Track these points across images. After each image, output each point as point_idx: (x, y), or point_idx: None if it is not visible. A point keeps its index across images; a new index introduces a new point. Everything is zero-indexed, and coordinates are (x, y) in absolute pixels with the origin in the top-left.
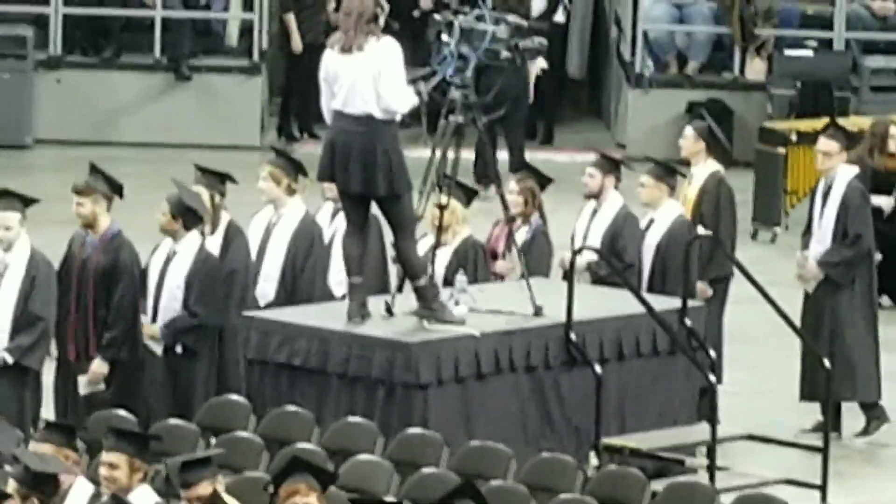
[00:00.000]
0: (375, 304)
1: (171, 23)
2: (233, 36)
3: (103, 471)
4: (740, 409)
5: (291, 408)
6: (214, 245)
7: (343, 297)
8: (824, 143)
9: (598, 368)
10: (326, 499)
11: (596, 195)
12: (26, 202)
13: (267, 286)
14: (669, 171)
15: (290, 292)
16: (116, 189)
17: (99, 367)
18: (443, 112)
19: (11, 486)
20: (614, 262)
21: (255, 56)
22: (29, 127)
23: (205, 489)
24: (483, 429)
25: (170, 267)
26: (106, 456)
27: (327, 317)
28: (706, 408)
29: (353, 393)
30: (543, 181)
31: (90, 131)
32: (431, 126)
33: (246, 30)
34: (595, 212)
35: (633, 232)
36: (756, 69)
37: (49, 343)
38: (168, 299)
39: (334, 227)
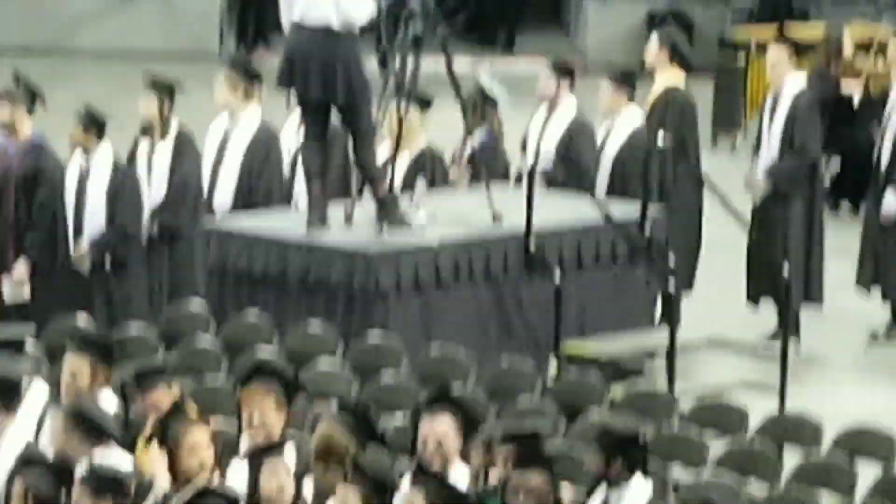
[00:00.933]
0: (335, 212)
1: None
2: None
3: (66, 375)
4: (704, 315)
5: (251, 315)
6: (164, 153)
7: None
8: (773, 53)
9: (557, 276)
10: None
11: (550, 101)
12: None
13: (223, 195)
14: (627, 76)
15: (246, 201)
16: (38, 97)
17: (21, 266)
18: (402, 21)
19: None
20: (577, 169)
21: None
22: None
23: (162, 395)
24: (443, 336)
25: (88, 183)
26: (70, 360)
27: (287, 226)
28: (668, 314)
29: (313, 301)
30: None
31: (49, 40)
32: (390, 36)
33: None
34: (548, 118)
35: (589, 138)
36: None
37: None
38: (91, 214)
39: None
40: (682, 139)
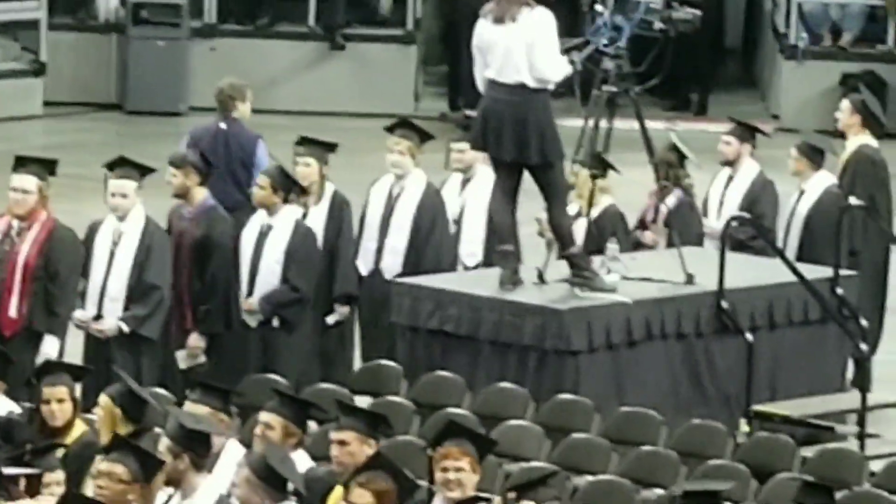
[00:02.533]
0: (527, 271)
1: None
2: (386, 5)
3: (258, 430)
4: (893, 377)
5: (443, 373)
6: (319, 216)
7: (472, 268)
8: None
9: (749, 336)
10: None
11: (731, 162)
12: (143, 171)
13: (392, 259)
14: (814, 149)
15: (415, 265)
16: (209, 164)
17: (196, 340)
18: (596, 82)
19: (164, 444)
20: (762, 228)
21: (409, 25)
22: (183, 95)
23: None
24: (634, 395)
25: (267, 241)
26: (263, 416)
27: (479, 283)
28: (859, 377)
29: (504, 359)
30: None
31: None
32: (584, 96)
33: None
34: (731, 178)
35: (771, 197)
36: None
37: (165, 312)
38: (266, 273)
39: (463, 198)
40: (872, 198)
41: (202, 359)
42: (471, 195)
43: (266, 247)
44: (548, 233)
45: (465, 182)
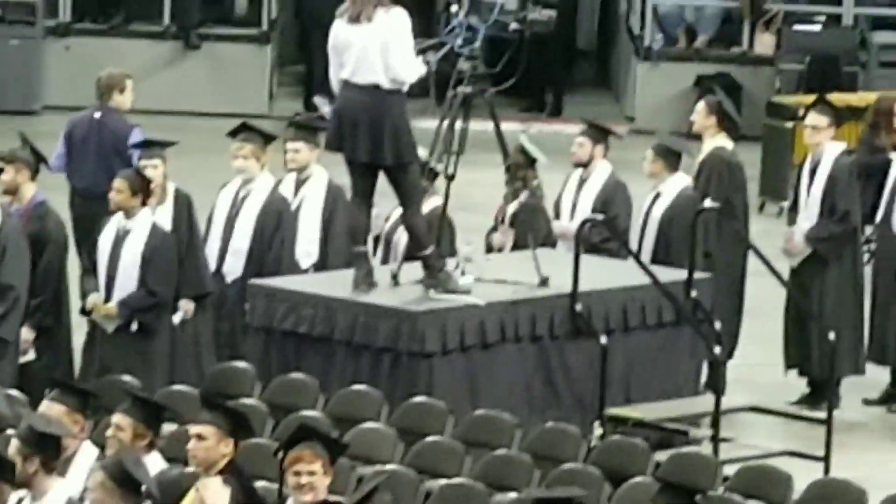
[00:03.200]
0: (381, 272)
1: None
2: (242, 5)
3: (109, 431)
4: (747, 380)
5: (297, 375)
6: (165, 216)
7: (308, 269)
8: (813, 118)
9: (603, 339)
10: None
11: (585, 164)
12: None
13: (234, 261)
14: (670, 151)
15: (257, 267)
16: (41, 160)
17: (26, 333)
18: (451, 83)
19: (13, 446)
20: (616, 230)
21: (265, 25)
22: (37, 93)
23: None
24: (488, 398)
25: (124, 244)
26: (114, 418)
27: (333, 285)
28: (714, 380)
29: (358, 361)
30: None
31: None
32: (440, 97)
33: None
34: (583, 180)
35: (624, 199)
36: (765, 44)
37: (21, 312)
38: (124, 278)
39: (299, 198)
40: (728, 200)
41: (32, 355)
42: (306, 195)
43: (123, 251)
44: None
45: (301, 182)
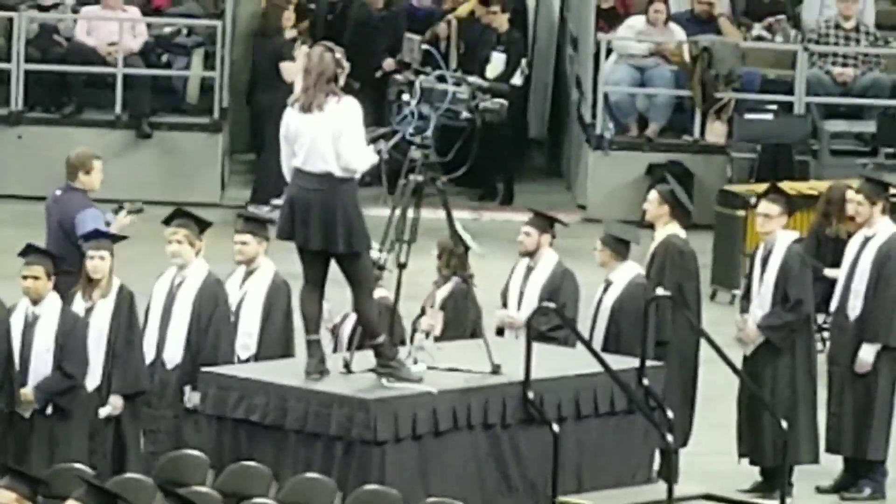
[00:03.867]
0: (333, 360)
1: (133, 80)
2: (194, 94)
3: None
4: (700, 468)
5: (249, 463)
6: (105, 310)
7: (248, 360)
8: (765, 206)
9: (555, 427)
10: None
11: (531, 253)
12: None
13: (173, 348)
14: (619, 240)
15: (195, 354)
16: None
17: None
18: (403, 171)
19: None
20: (565, 318)
21: (216, 114)
22: None
23: None
24: (440, 486)
25: (35, 329)
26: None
27: (285, 373)
28: (665, 468)
29: (310, 449)
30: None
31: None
32: (391, 185)
33: (207, 88)
34: (530, 269)
35: (572, 287)
36: (716, 132)
37: None
38: (37, 363)
39: (244, 290)
40: (681, 287)
41: None
42: (250, 289)
43: (36, 335)
44: (329, 323)
45: (248, 274)
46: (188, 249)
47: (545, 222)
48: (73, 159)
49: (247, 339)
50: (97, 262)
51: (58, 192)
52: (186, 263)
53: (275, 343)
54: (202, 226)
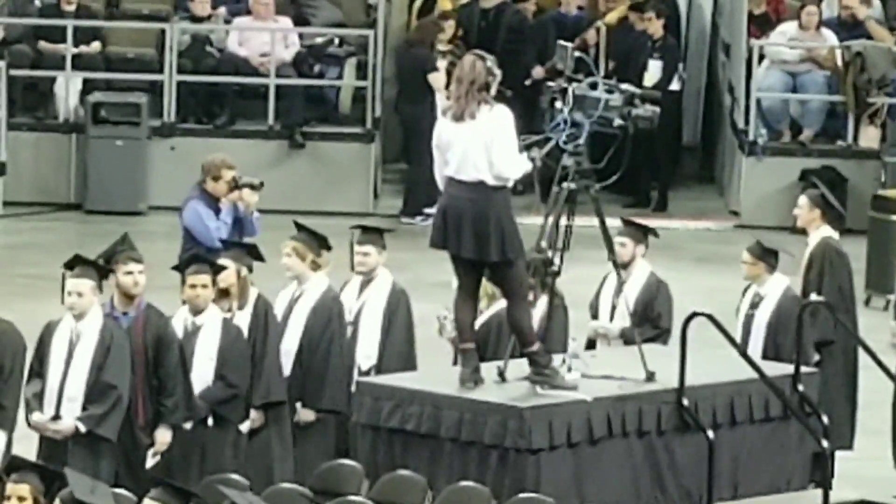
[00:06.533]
0: (488, 369)
1: (285, 90)
2: (346, 103)
3: None
4: (855, 474)
5: (404, 472)
6: (243, 321)
7: (369, 371)
8: None
9: (710, 434)
10: None
11: (626, 264)
12: (100, 271)
13: (284, 361)
14: (768, 251)
15: (305, 368)
16: (103, 272)
17: (164, 436)
18: (556, 179)
19: None
20: (720, 325)
21: (369, 123)
22: (143, 194)
23: None
24: (596, 493)
25: (197, 340)
26: None
27: (440, 382)
28: (820, 474)
29: (465, 458)
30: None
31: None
32: (544, 193)
33: (359, 97)
34: (624, 280)
35: (666, 297)
36: (870, 137)
37: (122, 412)
38: (199, 372)
39: (361, 300)
40: (840, 288)
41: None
42: (368, 298)
43: (198, 345)
44: (447, 332)
45: (365, 284)
46: (298, 262)
47: (639, 232)
48: (206, 164)
49: (368, 348)
50: (225, 272)
51: (191, 192)
52: (302, 277)
53: (397, 351)
54: (320, 241)
